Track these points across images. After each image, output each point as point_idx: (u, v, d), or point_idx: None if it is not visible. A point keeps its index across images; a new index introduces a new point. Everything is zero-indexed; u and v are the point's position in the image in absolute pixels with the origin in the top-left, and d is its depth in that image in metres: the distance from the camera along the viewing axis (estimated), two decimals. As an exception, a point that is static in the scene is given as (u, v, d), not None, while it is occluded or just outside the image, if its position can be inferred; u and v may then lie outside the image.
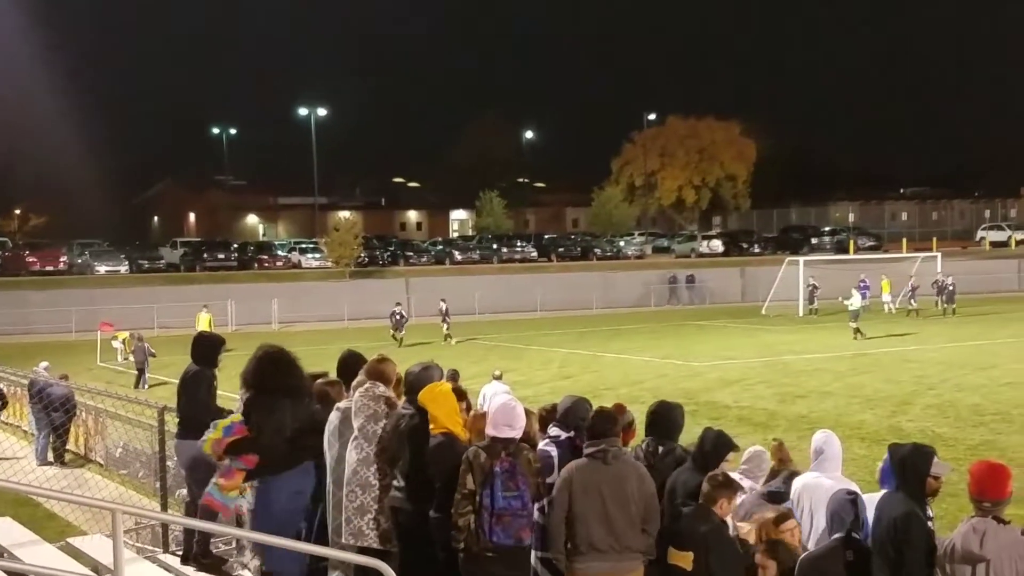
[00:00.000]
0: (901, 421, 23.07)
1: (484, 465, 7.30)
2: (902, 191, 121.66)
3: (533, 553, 7.84)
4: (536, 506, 7.67)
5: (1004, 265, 67.24)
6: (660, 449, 8.29)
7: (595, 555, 7.42)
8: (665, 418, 8.60)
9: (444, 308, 45.08)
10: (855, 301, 42.10)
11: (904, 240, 79.09)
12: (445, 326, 44.76)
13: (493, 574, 7.33)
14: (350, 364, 9.53)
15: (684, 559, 7.12)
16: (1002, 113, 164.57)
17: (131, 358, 37.92)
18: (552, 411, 8.84)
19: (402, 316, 44.50)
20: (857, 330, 40.78)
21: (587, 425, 7.74)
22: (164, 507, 11.64)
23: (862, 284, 54.58)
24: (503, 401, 7.87)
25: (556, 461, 8.04)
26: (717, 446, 8.02)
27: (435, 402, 7.90)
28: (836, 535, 6.82)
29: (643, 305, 62.19)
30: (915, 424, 22.61)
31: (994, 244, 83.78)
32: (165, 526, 11.22)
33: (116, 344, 40.42)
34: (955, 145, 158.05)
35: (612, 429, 7.59)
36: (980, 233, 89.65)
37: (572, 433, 8.24)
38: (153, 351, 33.32)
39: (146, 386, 31.66)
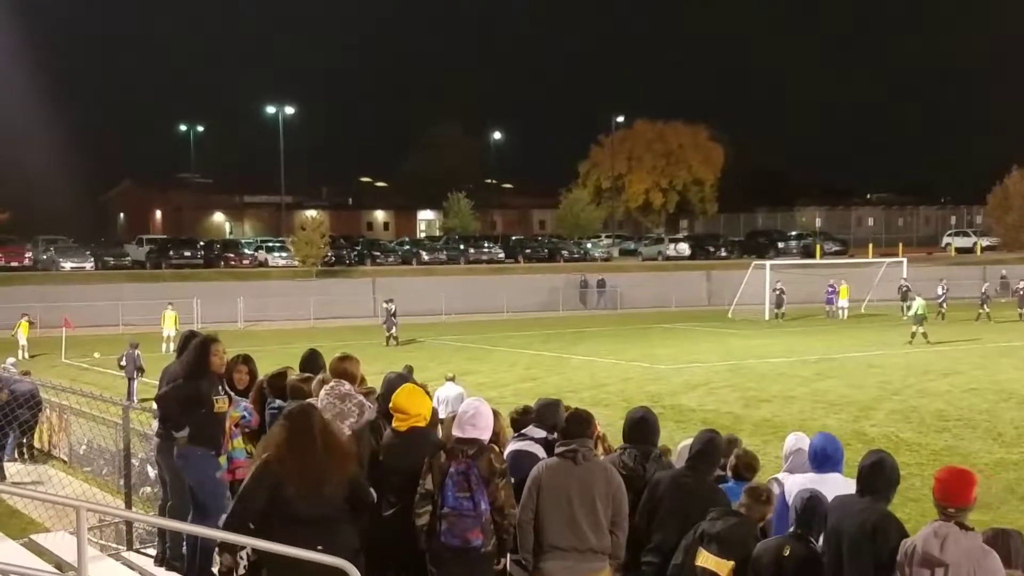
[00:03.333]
0: (865, 426, 23.21)
1: (443, 466, 7.32)
2: (869, 197, 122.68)
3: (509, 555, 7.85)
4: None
5: (969, 271, 67.78)
6: (649, 456, 8.27)
7: (556, 554, 7.43)
8: (652, 425, 8.53)
9: (392, 309, 44.57)
10: (917, 304, 41.96)
11: (870, 246, 79.61)
12: (394, 328, 44.20)
13: (454, 575, 7.33)
14: (312, 363, 9.52)
15: (722, 567, 7.05)
16: (969, 121, 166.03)
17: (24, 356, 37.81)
18: (525, 413, 8.86)
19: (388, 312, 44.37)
20: (923, 334, 40.45)
21: (560, 426, 7.75)
22: (128, 504, 11.56)
23: (830, 289, 55.32)
24: (469, 402, 7.87)
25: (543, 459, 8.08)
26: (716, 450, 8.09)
27: (409, 399, 7.90)
28: (790, 530, 6.89)
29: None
30: (879, 429, 22.75)
31: (959, 250, 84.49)
32: (129, 524, 11.14)
33: (21, 340, 39.93)
34: (922, 152, 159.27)
35: (586, 431, 7.61)
36: (946, 239, 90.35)
37: (555, 435, 8.27)
38: (143, 366, 29.27)
39: (135, 399, 26.93)
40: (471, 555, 7.30)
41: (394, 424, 7.88)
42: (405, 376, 8.73)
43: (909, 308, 43.05)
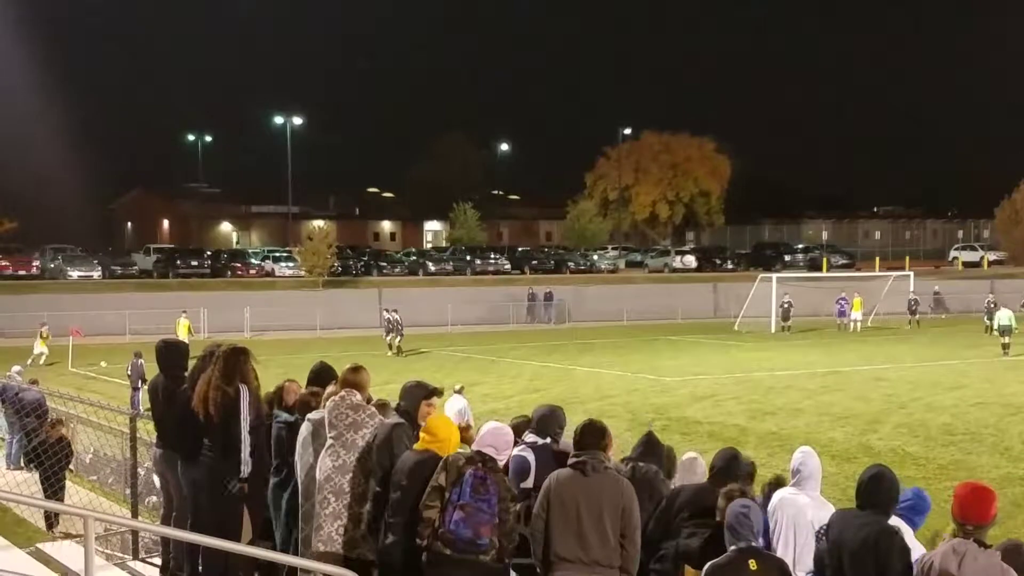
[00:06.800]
0: (871, 439, 23.18)
1: (461, 468, 7.33)
2: (876, 210, 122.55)
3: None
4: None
5: (976, 285, 67.75)
6: (640, 466, 8.36)
7: (563, 565, 7.40)
8: (660, 446, 8.81)
9: (396, 319, 44.34)
10: (1003, 316, 42.28)
11: (877, 259, 79.51)
12: (398, 338, 44.11)
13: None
14: (322, 376, 9.51)
15: None
16: (977, 134, 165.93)
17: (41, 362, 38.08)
18: (526, 423, 8.88)
19: (391, 322, 44.11)
20: (1004, 345, 40.97)
21: (575, 437, 7.77)
22: (135, 514, 11.57)
23: (842, 302, 55.36)
24: (496, 425, 7.91)
25: (533, 466, 8.10)
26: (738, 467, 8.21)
27: (441, 425, 7.92)
28: (736, 545, 6.87)
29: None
30: (885, 443, 22.72)
31: (966, 264, 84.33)
32: (135, 533, 11.15)
33: (37, 350, 40.01)
34: (929, 165, 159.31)
35: (599, 443, 7.61)
36: (953, 253, 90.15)
37: (548, 440, 8.28)
38: (145, 378, 27.97)
39: (140, 408, 25.52)
40: (472, 560, 7.32)
41: (417, 444, 7.89)
42: (423, 385, 8.72)
43: (992, 320, 43.66)
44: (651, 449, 8.84)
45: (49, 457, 15.61)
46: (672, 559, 7.45)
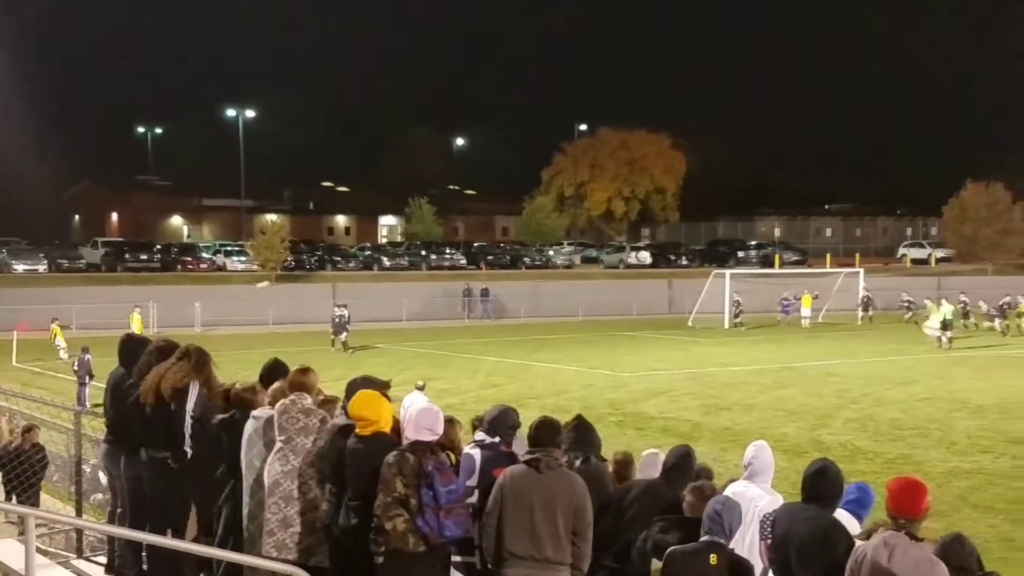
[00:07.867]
0: (822, 434, 23.35)
1: (414, 466, 7.24)
2: (827, 207, 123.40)
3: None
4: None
5: (924, 282, 68.40)
6: (578, 460, 8.30)
7: (513, 561, 7.38)
8: (592, 430, 8.67)
9: (346, 315, 43.53)
10: (946, 310, 43.45)
11: (828, 255, 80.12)
12: (344, 335, 43.09)
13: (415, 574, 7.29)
14: (275, 373, 9.39)
15: None
16: (925, 132, 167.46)
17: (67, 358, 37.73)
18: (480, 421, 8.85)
19: (342, 319, 43.43)
20: (949, 338, 42.30)
21: (529, 434, 7.71)
22: (79, 512, 11.40)
23: (785, 302, 55.68)
24: (424, 406, 7.88)
25: (478, 463, 8.01)
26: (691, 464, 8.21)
27: (366, 406, 7.83)
28: (705, 538, 6.89)
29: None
30: (835, 437, 22.90)
31: (915, 261, 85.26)
32: (79, 531, 10.98)
33: (60, 343, 39.62)
34: (880, 164, 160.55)
35: (552, 439, 7.58)
36: (902, 250, 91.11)
37: (498, 439, 8.21)
38: (93, 373, 28.46)
39: (87, 404, 25.93)
40: (441, 552, 7.28)
41: (357, 430, 7.80)
42: (369, 380, 8.62)
43: (926, 317, 45.77)
44: (583, 435, 8.60)
45: (22, 463, 14.75)
46: (641, 554, 7.39)
